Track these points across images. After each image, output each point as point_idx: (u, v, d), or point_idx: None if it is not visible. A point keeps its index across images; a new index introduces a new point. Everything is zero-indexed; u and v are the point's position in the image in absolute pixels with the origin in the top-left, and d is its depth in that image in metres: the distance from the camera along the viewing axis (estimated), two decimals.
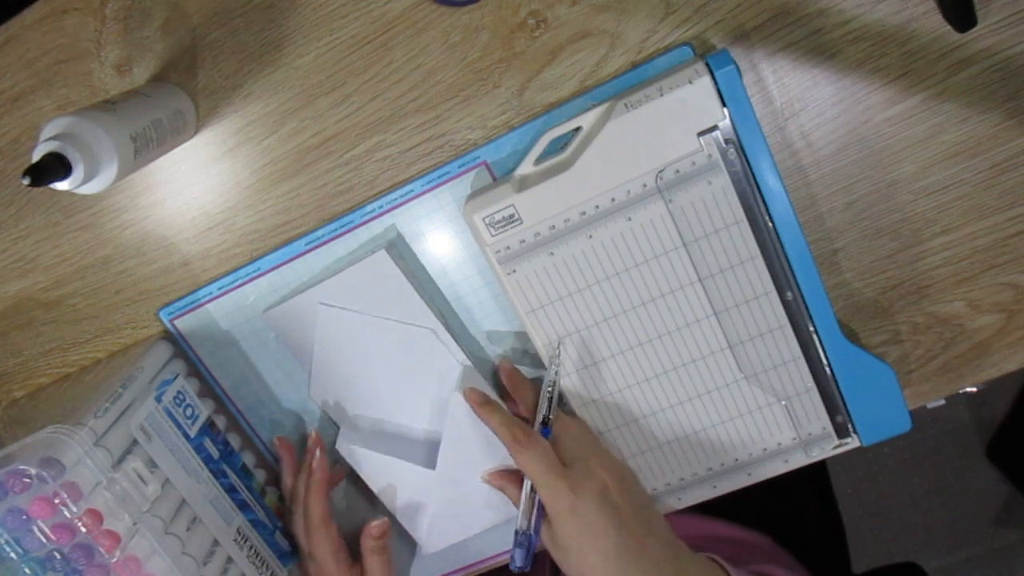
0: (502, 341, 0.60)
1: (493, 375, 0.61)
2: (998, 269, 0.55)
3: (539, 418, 0.54)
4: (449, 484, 0.60)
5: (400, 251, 0.58)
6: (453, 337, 0.58)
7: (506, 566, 0.68)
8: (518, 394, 0.58)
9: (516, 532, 0.52)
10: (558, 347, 0.55)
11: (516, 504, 0.54)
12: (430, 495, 0.61)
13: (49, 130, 0.44)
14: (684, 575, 0.52)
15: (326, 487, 0.60)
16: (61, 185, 0.44)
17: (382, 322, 0.59)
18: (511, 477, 0.58)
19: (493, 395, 0.58)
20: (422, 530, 0.63)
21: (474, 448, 0.59)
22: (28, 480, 0.48)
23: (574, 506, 0.50)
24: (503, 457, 0.58)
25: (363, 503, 0.66)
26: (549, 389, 0.55)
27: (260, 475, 0.65)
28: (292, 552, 0.64)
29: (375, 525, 0.61)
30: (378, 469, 0.61)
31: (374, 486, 0.62)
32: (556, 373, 0.55)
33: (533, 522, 0.53)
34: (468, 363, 0.59)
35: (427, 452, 0.61)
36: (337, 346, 0.60)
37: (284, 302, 0.60)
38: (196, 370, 0.63)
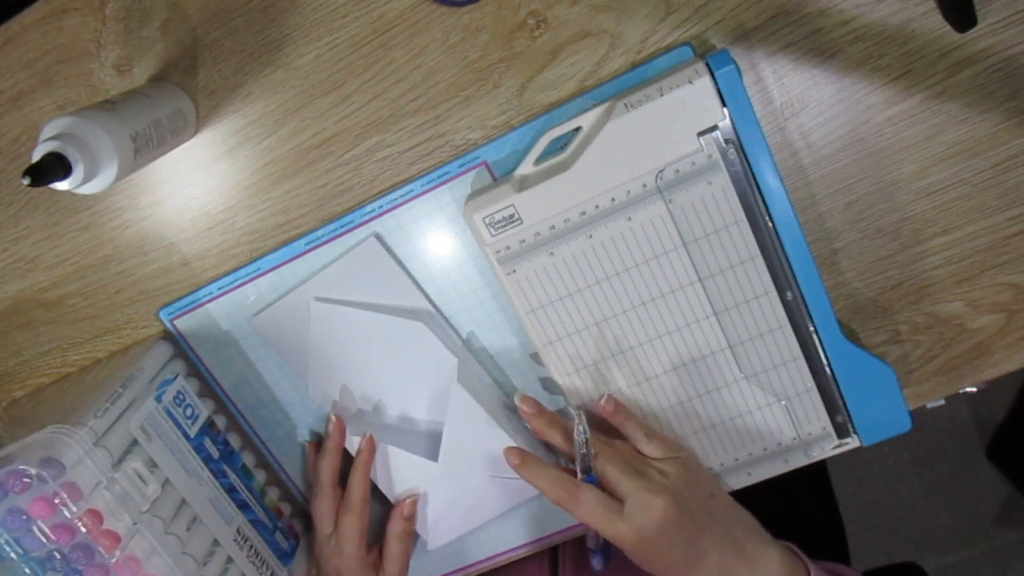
0: (502, 345, 0.60)
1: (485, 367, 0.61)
2: (998, 269, 0.55)
3: (579, 469, 0.54)
4: (452, 476, 0.60)
5: (391, 243, 0.58)
6: (447, 322, 0.59)
7: (507, 566, 0.68)
8: (548, 437, 0.57)
9: (589, 545, 0.57)
10: (580, 415, 0.54)
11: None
12: (433, 488, 0.62)
13: (49, 130, 0.44)
14: (756, 565, 0.53)
15: (371, 467, 0.61)
16: (61, 185, 0.44)
17: (375, 316, 0.59)
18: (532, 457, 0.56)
19: (496, 393, 0.57)
20: (427, 524, 0.63)
21: (475, 440, 0.59)
22: (28, 480, 0.48)
23: (639, 538, 0.52)
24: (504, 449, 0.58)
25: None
26: (582, 444, 0.55)
27: (260, 475, 0.65)
28: (292, 552, 0.64)
29: (407, 503, 0.61)
30: (381, 462, 0.61)
31: (377, 480, 0.62)
32: (584, 431, 0.54)
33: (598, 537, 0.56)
34: (463, 352, 0.60)
35: (429, 444, 0.61)
36: (332, 342, 0.60)
37: (270, 306, 0.60)
38: (196, 370, 0.63)
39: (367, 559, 0.61)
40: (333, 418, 0.62)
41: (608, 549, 0.57)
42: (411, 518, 0.62)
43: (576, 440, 0.54)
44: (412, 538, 0.63)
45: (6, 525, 0.49)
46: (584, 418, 0.54)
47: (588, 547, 0.57)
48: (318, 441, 0.65)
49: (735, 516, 0.55)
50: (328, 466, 0.62)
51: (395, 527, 0.61)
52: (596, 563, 0.57)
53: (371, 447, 0.61)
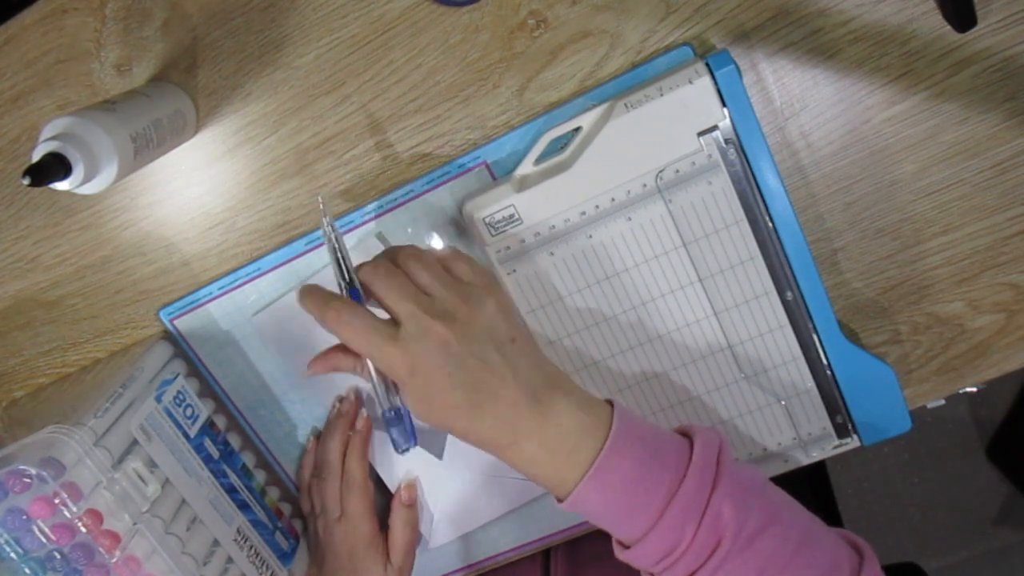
0: None
1: None
2: (998, 269, 0.55)
3: (340, 284, 0.47)
4: (456, 474, 0.60)
5: (391, 243, 0.58)
6: None
7: (507, 566, 0.68)
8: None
9: (383, 413, 0.48)
10: (320, 200, 0.48)
11: (364, 376, 0.49)
12: (438, 486, 0.62)
13: (49, 130, 0.44)
14: (548, 416, 0.45)
15: (368, 446, 0.60)
16: (61, 185, 0.44)
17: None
18: (336, 351, 0.50)
19: None
20: (430, 522, 0.63)
21: None
22: (28, 480, 0.48)
23: (413, 369, 0.45)
24: None
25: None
26: (335, 247, 0.47)
27: (260, 475, 0.65)
28: (292, 552, 0.64)
29: (405, 488, 0.60)
30: (386, 459, 0.61)
31: (382, 474, 0.62)
32: (331, 227, 0.47)
33: (391, 395, 0.48)
34: None
35: (434, 441, 0.61)
36: None
37: (271, 304, 0.60)
38: (196, 370, 0.63)
39: (378, 540, 0.60)
40: (351, 396, 0.61)
41: (403, 415, 0.48)
42: (412, 504, 0.61)
43: (327, 246, 0.44)
44: (416, 528, 0.62)
45: (6, 525, 0.49)
46: (325, 203, 0.46)
47: (383, 414, 0.48)
48: (317, 436, 0.65)
49: (537, 365, 0.48)
50: (337, 448, 0.61)
51: (397, 516, 0.61)
52: (398, 437, 0.47)
53: (368, 426, 0.60)
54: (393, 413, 0.48)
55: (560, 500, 0.46)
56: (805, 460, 0.59)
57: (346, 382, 0.62)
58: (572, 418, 0.46)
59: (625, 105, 0.50)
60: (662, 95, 0.49)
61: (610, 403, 0.48)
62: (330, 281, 0.59)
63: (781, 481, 0.60)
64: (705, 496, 0.44)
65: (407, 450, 0.49)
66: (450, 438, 0.60)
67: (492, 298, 0.48)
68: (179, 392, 0.59)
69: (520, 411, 0.45)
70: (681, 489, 0.44)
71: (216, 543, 0.57)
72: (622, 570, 0.52)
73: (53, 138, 0.43)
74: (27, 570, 0.50)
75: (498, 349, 0.46)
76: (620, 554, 0.47)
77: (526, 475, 0.47)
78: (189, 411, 0.59)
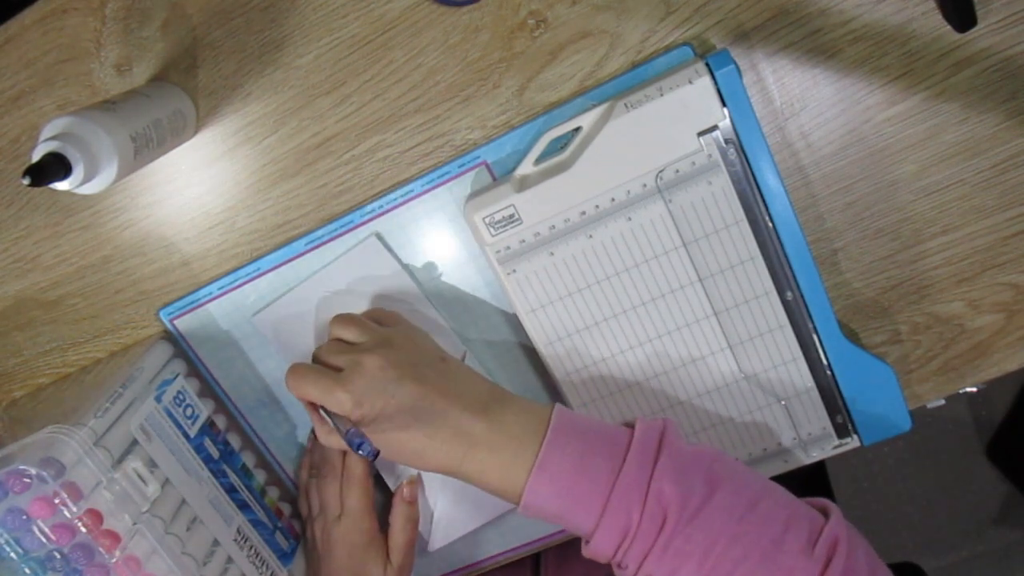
0: (503, 345, 0.61)
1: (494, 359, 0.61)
2: (998, 269, 0.55)
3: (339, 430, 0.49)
4: None
5: (391, 243, 0.58)
6: (447, 322, 0.59)
7: (507, 566, 0.68)
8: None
9: (345, 434, 0.48)
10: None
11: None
12: (436, 485, 0.62)
13: (49, 130, 0.44)
14: (495, 423, 0.48)
15: None
16: (61, 185, 0.44)
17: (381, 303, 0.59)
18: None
19: None
20: (428, 523, 0.63)
21: None
22: (28, 480, 0.48)
23: (359, 403, 0.48)
24: None
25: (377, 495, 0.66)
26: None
27: (260, 475, 0.65)
28: (292, 552, 0.64)
29: (406, 485, 0.60)
30: (387, 460, 0.61)
31: (383, 472, 0.62)
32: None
33: (347, 427, 0.48)
34: (463, 352, 0.59)
35: None
36: None
37: (272, 304, 0.60)
38: (196, 370, 0.63)
39: (378, 538, 0.60)
40: None
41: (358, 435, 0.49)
42: (413, 501, 0.61)
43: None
44: (416, 526, 0.62)
45: (6, 525, 0.49)
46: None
47: (346, 439, 0.48)
48: None
49: (474, 379, 0.51)
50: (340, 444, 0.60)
51: (399, 513, 0.60)
52: (365, 449, 0.47)
53: None
54: (353, 434, 0.47)
55: (517, 504, 0.48)
56: (805, 460, 0.59)
57: None
58: (517, 421, 0.49)
59: (625, 105, 0.50)
60: (662, 95, 0.49)
61: (553, 405, 0.50)
62: (329, 281, 0.59)
63: (781, 481, 0.60)
64: (645, 477, 0.46)
65: (373, 453, 0.47)
66: None
67: (411, 329, 0.54)
68: (179, 392, 0.59)
69: (470, 420, 0.48)
70: (622, 473, 0.46)
71: (216, 543, 0.57)
72: (609, 568, 0.52)
73: (53, 138, 0.43)
74: (27, 570, 0.50)
75: (431, 366, 0.51)
76: (585, 551, 0.49)
77: (482, 485, 0.49)
78: (189, 411, 0.59)
